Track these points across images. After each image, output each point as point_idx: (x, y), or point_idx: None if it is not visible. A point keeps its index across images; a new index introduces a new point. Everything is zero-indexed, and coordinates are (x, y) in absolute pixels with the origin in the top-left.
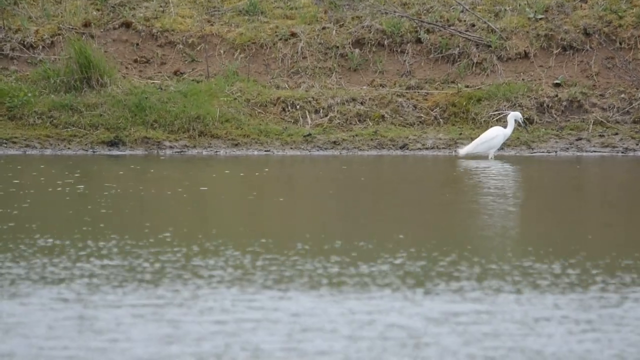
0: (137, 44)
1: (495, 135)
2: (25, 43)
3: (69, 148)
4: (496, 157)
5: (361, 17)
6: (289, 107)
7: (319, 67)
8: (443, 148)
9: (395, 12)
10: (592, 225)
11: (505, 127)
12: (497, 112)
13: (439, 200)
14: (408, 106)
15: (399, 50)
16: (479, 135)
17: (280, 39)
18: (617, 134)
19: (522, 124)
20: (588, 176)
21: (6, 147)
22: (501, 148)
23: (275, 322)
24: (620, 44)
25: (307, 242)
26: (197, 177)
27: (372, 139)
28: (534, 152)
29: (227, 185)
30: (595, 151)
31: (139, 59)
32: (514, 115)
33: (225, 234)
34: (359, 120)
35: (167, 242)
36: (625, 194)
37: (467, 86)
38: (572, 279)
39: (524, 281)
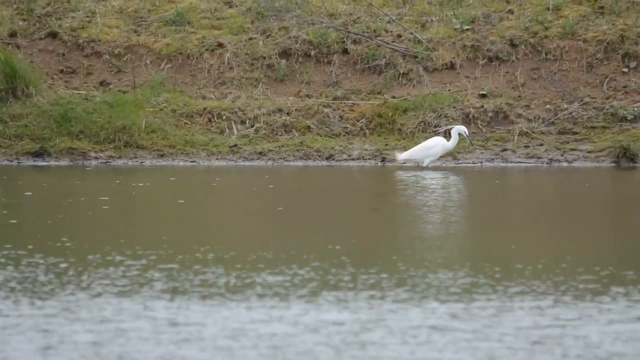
0: (64, 54)
1: (434, 144)
2: None
3: None
4: (422, 169)
5: (288, 27)
6: (215, 118)
7: (246, 78)
8: (369, 159)
9: (322, 22)
10: (510, 234)
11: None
12: (439, 127)
13: (356, 210)
14: (334, 117)
15: (325, 60)
16: (404, 146)
17: (207, 50)
18: (542, 144)
19: (467, 137)
20: (509, 187)
21: None
22: (440, 159)
23: (157, 332)
24: (546, 55)
25: (212, 251)
26: (118, 188)
27: (298, 150)
28: (460, 163)
29: (147, 196)
30: (520, 162)
31: (65, 69)
32: (458, 129)
33: (133, 244)
34: (285, 131)
35: (65, 252)
36: (548, 203)
37: (394, 97)
38: (462, 289)
39: (423, 291)
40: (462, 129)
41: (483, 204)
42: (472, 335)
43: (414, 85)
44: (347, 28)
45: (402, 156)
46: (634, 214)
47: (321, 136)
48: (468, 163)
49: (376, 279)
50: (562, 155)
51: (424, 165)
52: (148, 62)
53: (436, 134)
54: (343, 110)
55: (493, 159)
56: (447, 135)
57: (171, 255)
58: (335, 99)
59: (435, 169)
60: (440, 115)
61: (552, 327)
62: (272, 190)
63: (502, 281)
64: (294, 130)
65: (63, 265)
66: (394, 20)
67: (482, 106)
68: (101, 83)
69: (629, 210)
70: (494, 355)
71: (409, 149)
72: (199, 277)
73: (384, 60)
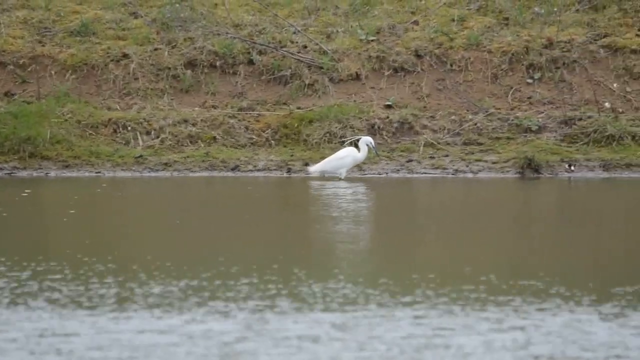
0: None
1: (344, 155)
2: None
3: None
4: (326, 179)
5: (193, 38)
6: (121, 129)
7: (151, 89)
8: (275, 170)
9: (227, 33)
10: (409, 245)
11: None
12: (345, 137)
13: (255, 221)
14: (240, 127)
15: (231, 71)
16: (310, 157)
17: (112, 60)
18: (447, 155)
19: (373, 148)
20: (413, 198)
21: None
22: (353, 170)
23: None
24: (451, 65)
25: (99, 262)
26: (19, 199)
27: (203, 161)
28: (365, 174)
29: (45, 207)
30: (425, 173)
31: None
32: (365, 140)
33: (13, 255)
34: (191, 142)
35: None
36: (450, 214)
37: (299, 108)
38: (349, 299)
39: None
40: (368, 139)
41: (386, 215)
42: (351, 345)
43: (319, 96)
44: (252, 39)
45: (313, 169)
46: (534, 224)
47: (227, 147)
48: (374, 174)
49: (265, 289)
50: (467, 166)
51: (341, 176)
52: (53, 72)
53: (342, 145)
54: (249, 121)
55: (399, 170)
56: (351, 146)
57: (53, 267)
58: (240, 109)
59: (341, 179)
60: (346, 126)
61: (428, 337)
62: (174, 201)
63: (389, 290)
64: (200, 141)
65: None
66: (299, 31)
67: (388, 117)
68: (5, 94)
69: (531, 220)
70: None
71: (315, 159)
72: (80, 288)
73: (290, 71)
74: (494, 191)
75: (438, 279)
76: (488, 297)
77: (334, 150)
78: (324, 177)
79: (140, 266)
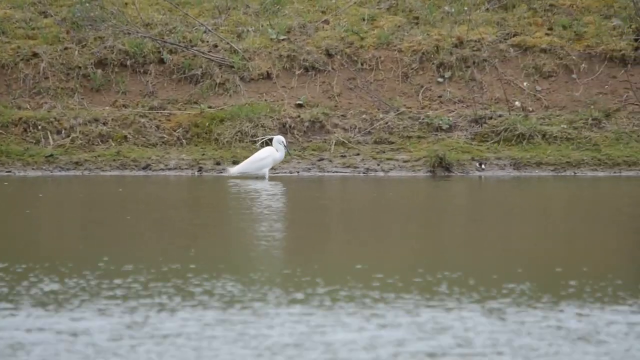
0: None
1: (265, 156)
2: None
3: None
4: (235, 179)
5: (104, 37)
6: (31, 128)
7: (61, 88)
8: (186, 168)
9: (138, 32)
10: (310, 244)
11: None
12: (257, 137)
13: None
14: (151, 127)
15: (141, 70)
16: (221, 156)
17: (22, 59)
18: (358, 154)
19: (285, 147)
20: (324, 196)
21: None
22: (273, 169)
23: None
24: (362, 64)
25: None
26: None
27: (114, 160)
28: (277, 173)
29: None
30: (337, 172)
31: None
32: (277, 140)
33: None
34: (102, 141)
35: None
36: (360, 213)
37: (210, 107)
38: (233, 296)
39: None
40: (280, 139)
41: (294, 214)
42: (228, 341)
43: (230, 95)
44: (163, 38)
45: (234, 170)
46: (441, 222)
47: (138, 146)
48: (285, 173)
49: (154, 287)
50: (379, 165)
51: (265, 176)
52: None
53: (255, 145)
54: (160, 120)
55: (310, 169)
56: (264, 145)
57: None
58: (151, 108)
59: (252, 178)
60: (257, 125)
61: (303, 334)
62: (80, 200)
63: (283, 289)
64: (111, 140)
65: None
66: (210, 31)
67: (299, 116)
68: None
69: (438, 219)
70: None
71: (226, 158)
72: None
73: (201, 70)
74: (404, 190)
75: (333, 278)
76: (381, 295)
77: (245, 149)
78: (243, 176)
79: (33, 264)
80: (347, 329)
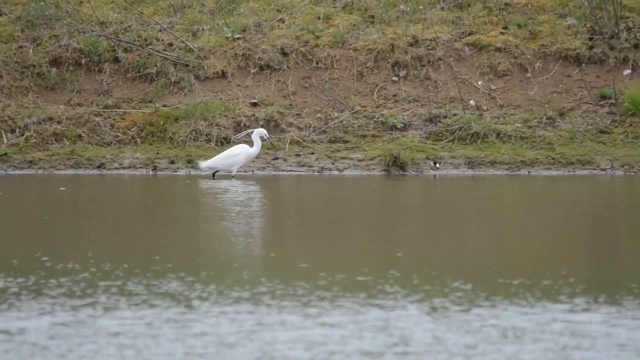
0: None
1: (238, 152)
2: None
3: None
4: (194, 177)
5: (58, 36)
6: None
7: (16, 86)
8: (140, 167)
9: (92, 31)
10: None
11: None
12: (239, 134)
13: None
14: (105, 125)
15: (96, 69)
16: (175, 155)
17: None
18: (313, 153)
19: (267, 139)
20: (278, 196)
21: None
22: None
23: None
24: (317, 63)
25: None
26: None
27: (68, 159)
28: (226, 172)
29: None
30: (292, 171)
31: None
32: (258, 133)
33: None
34: (56, 140)
35: None
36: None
37: (165, 105)
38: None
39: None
40: (262, 131)
41: (245, 214)
42: (160, 341)
43: (185, 94)
44: (118, 37)
45: (205, 164)
46: (394, 222)
47: (92, 145)
48: (239, 171)
49: (91, 286)
50: (333, 164)
51: (232, 173)
52: None
53: (235, 141)
54: (114, 119)
55: (265, 168)
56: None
57: None
58: (106, 107)
59: (206, 177)
60: (212, 124)
61: (244, 332)
62: (35, 200)
63: (221, 288)
64: (65, 139)
65: None
66: (165, 29)
67: (254, 115)
68: None
69: (391, 218)
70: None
71: (180, 157)
72: None
73: (156, 68)
74: (357, 189)
75: (278, 277)
76: (324, 294)
77: (200, 148)
78: (206, 174)
79: None
80: (287, 328)
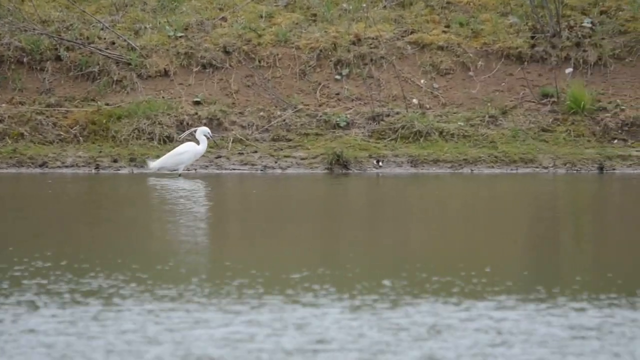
0: None
1: (184, 150)
2: None
3: None
4: (137, 176)
5: (0, 34)
6: None
7: None
8: (83, 166)
9: (34, 29)
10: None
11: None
12: (183, 133)
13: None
14: (48, 124)
15: (38, 67)
16: (118, 153)
17: None
18: (256, 151)
19: (210, 137)
20: (221, 194)
21: None
22: (194, 166)
23: None
24: (260, 62)
25: None
26: None
27: (11, 157)
28: (174, 170)
29: None
30: (234, 169)
31: None
32: (202, 131)
33: None
34: None
35: None
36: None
37: (107, 104)
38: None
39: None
40: (205, 130)
41: (186, 212)
42: (79, 339)
43: (127, 93)
44: (60, 35)
45: (154, 164)
46: (332, 220)
47: (34, 143)
48: (182, 170)
49: (24, 285)
50: (276, 162)
51: (179, 172)
52: None
53: (179, 140)
54: (57, 118)
55: (207, 166)
56: (189, 140)
57: None
58: (48, 106)
59: (149, 176)
60: (155, 122)
61: (161, 330)
62: None
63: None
64: (7, 137)
65: None
66: (107, 28)
67: (196, 113)
68: None
69: (330, 216)
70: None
71: (123, 155)
72: None
73: (98, 67)
74: (299, 187)
75: (203, 275)
76: (247, 292)
77: (143, 146)
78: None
79: None
80: (210, 326)
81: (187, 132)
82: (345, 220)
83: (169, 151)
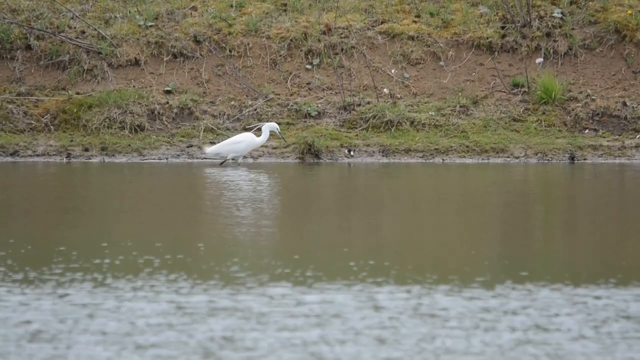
0: None
1: (240, 140)
2: None
3: None
4: (109, 165)
5: None
6: None
7: None
8: (54, 155)
9: (4, 18)
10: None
11: (259, 136)
12: (253, 125)
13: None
14: (19, 113)
15: (8, 56)
16: (89, 142)
17: None
18: None
19: (279, 134)
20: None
21: None
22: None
23: None
24: (230, 51)
25: None
26: None
27: None
28: (145, 159)
29: None
30: (206, 158)
31: None
32: (269, 126)
33: None
34: None
35: None
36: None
37: (78, 93)
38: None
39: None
40: (273, 126)
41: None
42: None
43: (98, 82)
44: (30, 24)
45: (209, 150)
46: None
47: (5, 132)
48: (154, 159)
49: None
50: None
51: (230, 160)
52: None
53: (247, 130)
54: (27, 107)
55: (179, 155)
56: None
57: None
58: (19, 95)
59: (120, 165)
60: (125, 111)
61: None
62: None
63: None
64: None
65: None
66: (77, 17)
67: (167, 102)
68: None
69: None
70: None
71: (94, 144)
72: None
73: (68, 56)
74: (270, 176)
75: (143, 262)
76: (185, 279)
77: (114, 135)
78: (225, 160)
79: None
80: (146, 314)
81: (257, 125)
82: (314, 209)
83: (142, 140)
